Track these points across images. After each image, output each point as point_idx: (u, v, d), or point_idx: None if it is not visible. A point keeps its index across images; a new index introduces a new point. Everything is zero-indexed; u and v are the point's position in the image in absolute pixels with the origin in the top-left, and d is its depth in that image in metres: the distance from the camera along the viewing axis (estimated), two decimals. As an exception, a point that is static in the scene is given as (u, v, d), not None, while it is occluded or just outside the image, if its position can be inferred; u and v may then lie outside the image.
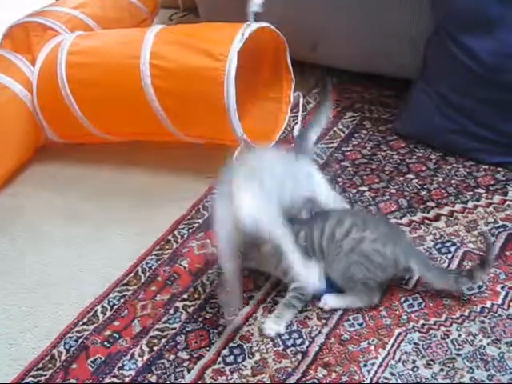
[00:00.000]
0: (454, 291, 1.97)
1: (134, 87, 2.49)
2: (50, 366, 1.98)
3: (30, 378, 1.95)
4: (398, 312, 1.97)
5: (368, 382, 1.80)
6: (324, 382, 1.82)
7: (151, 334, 2.03)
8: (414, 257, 1.96)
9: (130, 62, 2.50)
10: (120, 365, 1.95)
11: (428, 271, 1.96)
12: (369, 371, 1.83)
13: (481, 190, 2.34)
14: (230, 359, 1.92)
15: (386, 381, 1.80)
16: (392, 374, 1.81)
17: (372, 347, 1.89)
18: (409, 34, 2.61)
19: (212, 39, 2.48)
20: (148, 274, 2.23)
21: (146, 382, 1.90)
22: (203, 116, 2.49)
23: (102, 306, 2.14)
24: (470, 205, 2.29)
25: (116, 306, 2.13)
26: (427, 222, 2.25)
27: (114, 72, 2.57)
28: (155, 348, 1.98)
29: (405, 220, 2.26)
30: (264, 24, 2.55)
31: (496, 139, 2.38)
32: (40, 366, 1.98)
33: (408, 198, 2.35)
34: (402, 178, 2.44)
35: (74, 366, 1.97)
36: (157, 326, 2.04)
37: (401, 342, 1.89)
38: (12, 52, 2.81)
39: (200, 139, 2.62)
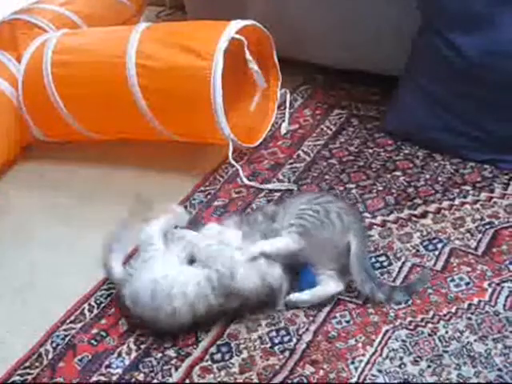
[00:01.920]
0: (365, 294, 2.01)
1: (120, 86, 2.49)
2: (37, 364, 1.97)
3: (17, 377, 1.94)
4: (385, 309, 1.97)
5: (355, 379, 1.81)
6: (311, 379, 1.82)
7: (138, 332, 2.02)
8: (355, 233, 2.02)
9: (115, 61, 2.50)
10: (107, 363, 1.95)
11: (357, 259, 1.98)
12: (356, 368, 1.83)
13: (467, 187, 2.34)
14: (218, 357, 1.92)
15: (374, 378, 1.80)
16: (379, 371, 1.82)
17: (359, 344, 1.89)
18: (396, 31, 2.62)
19: (198, 38, 2.47)
20: (135, 272, 2.22)
21: (134, 380, 1.90)
22: (190, 115, 2.49)
23: (89, 305, 2.13)
24: (457, 202, 2.29)
25: (103, 305, 2.12)
26: (414, 219, 2.25)
27: (99, 71, 2.55)
28: (142, 346, 1.98)
29: (392, 217, 2.26)
30: (250, 22, 2.55)
31: (482, 137, 2.38)
32: (27, 364, 1.97)
33: (395, 195, 2.36)
34: (389, 176, 2.44)
35: (61, 364, 1.97)
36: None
37: (388, 339, 1.89)
38: (-2, 50, 2.80)
39: (188, 138, 2.62)
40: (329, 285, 2.01)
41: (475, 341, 1.86)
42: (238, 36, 2.46)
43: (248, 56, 2.54)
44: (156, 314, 1.95)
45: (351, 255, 1.98)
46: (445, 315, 1.93)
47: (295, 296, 2.02)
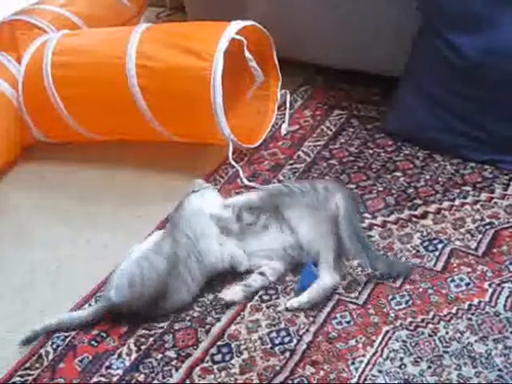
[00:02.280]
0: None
1: (120, 87, 2.49)
2: (37, 365, 1.97)
3: (18, 378, 1.94)
4: (385, 310, 1.97)
5: (356, 379, 1.81)
6: (312, 379, 1.82)
7: (138, 333, 2.02)
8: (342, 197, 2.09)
9: (115, 62, 2.50)
10: (108, 364, 1.95)
11: (346, 221, 2.03)
12: (356, 369, 1.83)
13: (468, 188, 2.34)
14: (218, 358, 1.92)
15: (374, 378, 1.80)
16: (380, 371, 1.82)
17: (360, 345, 1.89)
18: (396, 31, 2.62)
19: (198, 38, 2.48)
20: (135, 272, 2.22)
21: (134, 381, 1.89)
22: (190, 115, 2.49)
23: (90, 306, 2.12)
24: (457, 202, 2.29)
25: (103, 305, 2.13)
26: (414, 219, 2.25)
27: (99, 71, 2.56)
28: (143, 347, 1.98)
29: (392, 218, 2.26)
30: (250, 22, 2.55)
31: (483, 137, 2.38)
32: (27, 365, 1.97)
33: (395, 195, 2.36)
34: (389, 176, 2.44)
35: (61, 365, 1.96)
36: (144, 325, 2.04)
37: (388, 339, 1.89)
38: (-2, 50, 2.80)
39: (188, 138, 2.62)
40: (322, 279, 2.01)
41: (476, 341, 1.85)
42: (237, 36, 2.46)
43: (248, 55, 2.54)
44: (147, 290, 2.00)
45: (339, 218, 2.02)
46: (445, 316, 1.93)
47: (295, 301, 2.02)
